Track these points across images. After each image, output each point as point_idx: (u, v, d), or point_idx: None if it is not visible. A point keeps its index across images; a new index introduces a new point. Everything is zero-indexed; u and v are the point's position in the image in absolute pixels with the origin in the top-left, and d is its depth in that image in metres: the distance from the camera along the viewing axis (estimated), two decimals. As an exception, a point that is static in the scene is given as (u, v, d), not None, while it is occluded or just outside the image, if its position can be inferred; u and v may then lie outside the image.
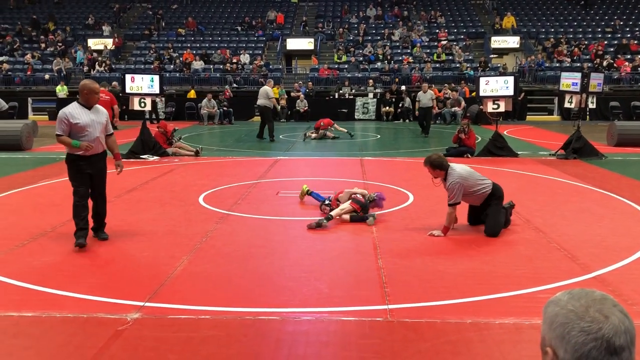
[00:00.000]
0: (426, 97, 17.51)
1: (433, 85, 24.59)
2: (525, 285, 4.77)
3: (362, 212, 7.01)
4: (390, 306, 4.34)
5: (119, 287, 4.78)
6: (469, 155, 12.61)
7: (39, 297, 4.54)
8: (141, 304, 4.37)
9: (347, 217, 6.99)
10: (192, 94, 24.52)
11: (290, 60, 29.90)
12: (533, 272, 5.13)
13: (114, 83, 24.34)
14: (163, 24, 31.62)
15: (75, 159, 5.96)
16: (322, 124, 17.05)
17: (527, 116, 23.76)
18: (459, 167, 6.44)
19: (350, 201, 7.08)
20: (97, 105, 6.12)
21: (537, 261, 5.48)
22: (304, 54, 29.12)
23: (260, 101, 16.47)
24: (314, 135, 16.94)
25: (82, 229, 5.95)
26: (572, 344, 1.23)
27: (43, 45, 29.04)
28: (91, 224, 6.19)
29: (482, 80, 12.71)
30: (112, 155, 6.34)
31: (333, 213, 6.93)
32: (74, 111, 5.93)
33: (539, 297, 4.54)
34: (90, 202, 6.14)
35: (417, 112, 18.23)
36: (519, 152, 12.91)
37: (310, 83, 25.36)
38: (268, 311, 4.27)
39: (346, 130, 17.42)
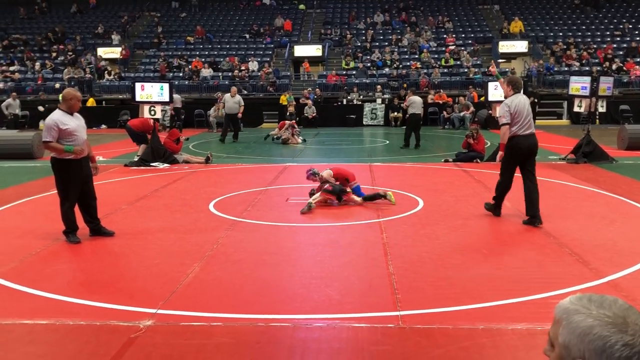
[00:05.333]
0: None
1: (441, 91, 24.66)
2: (536, 290, 4.75)
3: (336, 196, 8.17)
4: (402, 312, 4.33)
5: (132, 294, 4.80)
6: (479, 161, 12.58)
7: (53, 305, 4.57)
8: (154, 311, 4.39)
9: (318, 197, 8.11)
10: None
11: (298, 67, 30.01)
12: (544, 277, 5.10)
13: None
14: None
15: (67, 164, 6.25)
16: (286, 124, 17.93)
17: (537, 120, 23.55)
18: (523, 98, 6.84)
19: (321, 192, 8.18)
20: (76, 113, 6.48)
21: (549, 266, 5.45)
22: (312, 61, 29.21)
23: (232, 108, 17.80)
24: (282, 135, 17.53)
25: (75, 229, 6.42)
26: (616, 358, 1.21)
27: (54, 54, 29.32)
28: (86, 229, 6.59)
29: (491, 85, 12.69)
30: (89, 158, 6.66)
31: (311, 200, 8.02)
32: (61, 117, 6.24)
33: (551, 302, 4.51)
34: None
35: None
36: (528, 157, 12.84)
37: (318, 89, 25.43)
38: (280, 318, 4.27)
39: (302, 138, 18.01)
